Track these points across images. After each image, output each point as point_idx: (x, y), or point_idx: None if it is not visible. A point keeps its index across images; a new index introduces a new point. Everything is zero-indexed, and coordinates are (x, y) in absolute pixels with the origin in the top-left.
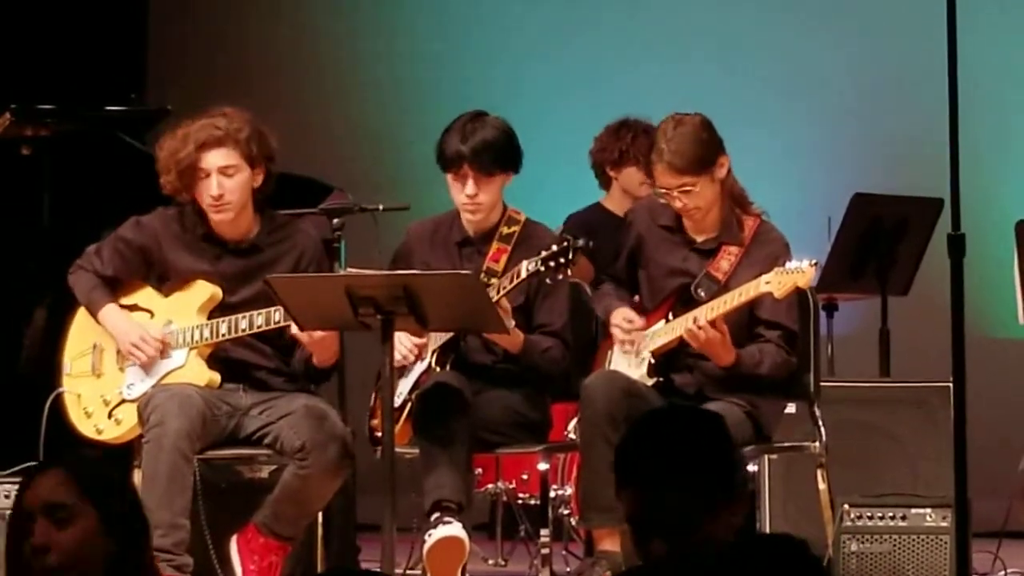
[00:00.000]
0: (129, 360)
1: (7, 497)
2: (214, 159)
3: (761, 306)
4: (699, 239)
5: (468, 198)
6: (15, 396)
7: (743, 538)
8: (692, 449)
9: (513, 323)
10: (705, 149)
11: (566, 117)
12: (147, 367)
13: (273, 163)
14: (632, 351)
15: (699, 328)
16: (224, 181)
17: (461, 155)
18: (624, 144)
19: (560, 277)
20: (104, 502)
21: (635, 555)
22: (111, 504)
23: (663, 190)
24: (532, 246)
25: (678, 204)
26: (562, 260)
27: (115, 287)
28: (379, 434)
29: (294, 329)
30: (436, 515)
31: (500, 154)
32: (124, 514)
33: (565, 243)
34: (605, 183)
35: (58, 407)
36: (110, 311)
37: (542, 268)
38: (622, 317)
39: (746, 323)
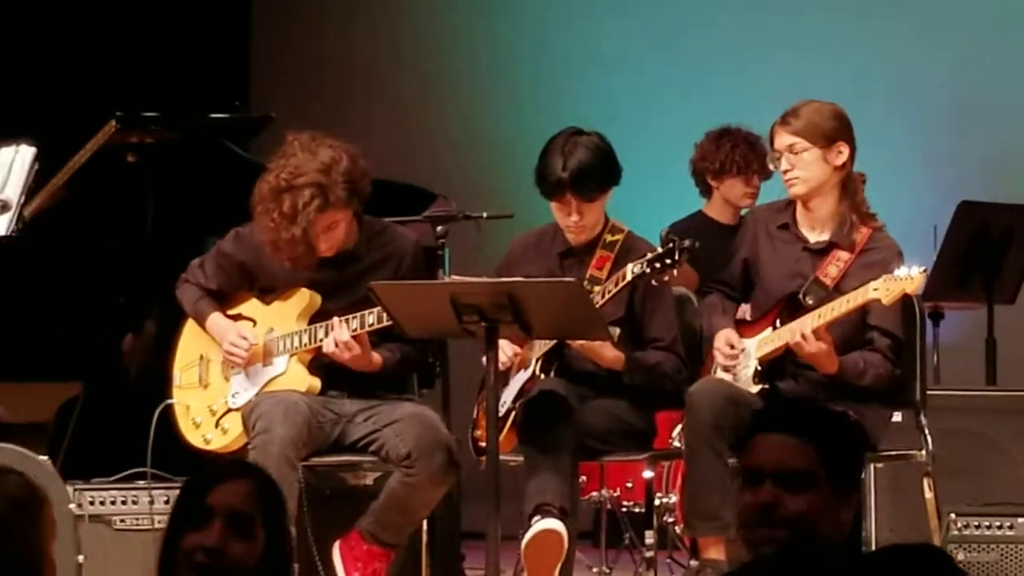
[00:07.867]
0: (233, 368)
1: (112, 503)
2: (320, 225)
3: (873, 313)
4: (811, 239)
5: (573, 223)
6: (125, 406)
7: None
8: (835, 439)
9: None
10: (827, 123)
11: (663, 126)
12: (250, 375)
13: (369, 188)
14: (732, 375)
15: (804, 339)
16: (331, 235)
17: (562, 183)
18: (724, 154)
19: (666, 279)
20: (272, 527)
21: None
22: (277, 531)
23: (776, 153)
24: (636, 255)
25: (784, 167)
26: (668, 261)
27: (220, 298)
28: (483, 444)
29: (326, 348)
30: (536, 517)
31: (599, 176)
32: (282, 545)
33: (671, 244)
34: (706, 191)
35: (166, 417)
36: (215, 319)
37: (648, 270)
38: (724, 341)
39: (858, 328)
